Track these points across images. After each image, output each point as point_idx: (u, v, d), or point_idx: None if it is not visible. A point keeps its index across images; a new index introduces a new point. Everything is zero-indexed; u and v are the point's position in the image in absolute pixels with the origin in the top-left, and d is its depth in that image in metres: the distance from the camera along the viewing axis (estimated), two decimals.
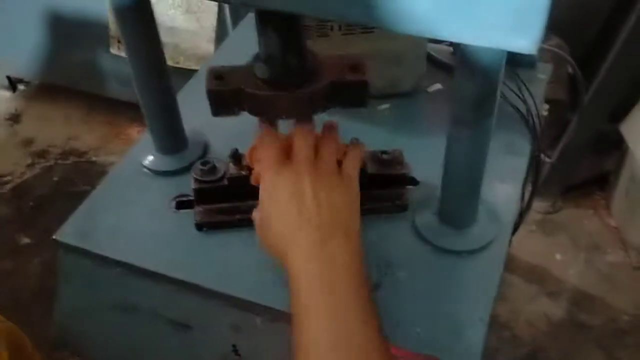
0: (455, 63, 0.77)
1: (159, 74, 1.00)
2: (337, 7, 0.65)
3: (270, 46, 0.77)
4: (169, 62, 2.30)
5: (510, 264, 2.11)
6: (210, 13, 2.19)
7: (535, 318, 1.98)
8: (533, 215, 2.28)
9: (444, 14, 0.62)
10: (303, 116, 0.82)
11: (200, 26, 2.22)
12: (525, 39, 0.61)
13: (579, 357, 1.87)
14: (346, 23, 1.06)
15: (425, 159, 0.98)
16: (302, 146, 0.77)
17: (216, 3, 2.05)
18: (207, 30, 2.20)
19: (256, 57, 0.81)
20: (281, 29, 0.75)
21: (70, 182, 2.61)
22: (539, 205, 2.30)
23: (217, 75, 0.82)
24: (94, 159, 2.69)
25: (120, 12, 0.92)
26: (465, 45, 0.73)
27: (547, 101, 2.29)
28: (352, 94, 0.84)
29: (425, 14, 0.62)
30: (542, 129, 1.12)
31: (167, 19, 2.23)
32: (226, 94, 0.82)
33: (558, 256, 2.15)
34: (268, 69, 0.79)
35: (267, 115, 0.84)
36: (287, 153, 0.78)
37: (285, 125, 0.85)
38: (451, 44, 1.23)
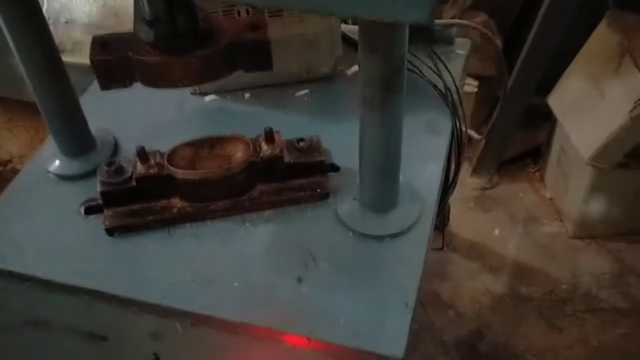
0: (358, 42, 0.73)
1: (52, 70, 0.93)
2: None
3: (154, 4, 0.71)
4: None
5: (451, 242, 2.12)
6: (128, 6, 2.10)
7: (478, 294, 1.99)
8: (471, 192, 2.29)
9: None
10: (201, 82, 0.76)
11: (119, 21, 2.13)
12: (418, 9, 0.59)
13: (522, 328, 1.89)
14: (240, 4, 1.01)
15: (347, 143, 0.95)
16: None
17: None
18: (126, 24, 2.12)
19: (141, 19, 0.74)
20: None
21: None
22: (476, 181, 2.32)
23: (103, 43, 0.75)
24: (19, 167, 2.56)
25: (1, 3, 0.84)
26: (365, 22, 0.70)
27: (478, 78, 2.31)
28: (253, 55, 0.79)
29: None
30: (462, 104, 1.11)
31: (83, 15, 2.13)
32: (112, 63, 0.75)
33: (497, 231, 2.16)
34: (152, 30, 0.72)
35: (161, 84, 0.77)
36: None
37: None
38: None
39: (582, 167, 1.93)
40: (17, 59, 0.91)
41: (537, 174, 2.35)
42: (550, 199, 2.25)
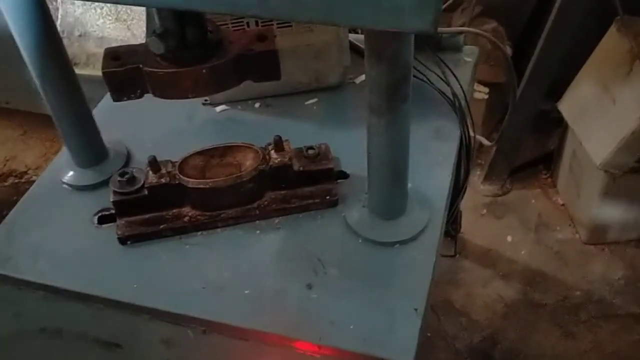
0: (364, 50, 0.74)
1: (66, 84, 0.95)
2: (230, 1, 0.62)
3: (164, 17, 0.72)
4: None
5: (463, 250, 2.11)
6: (140, 20, 2.13)
7: (491, 301, 1.98)
8: (483, 199, 2.29)
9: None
10: (210, 93, 0.78)
11: (132, 34, 2.16)
12: (422, 19, 0.60)
13: (536, 335, 1.88)
14: (242, 17, 1.03)
15: (355, 151, 0.96)
16: None
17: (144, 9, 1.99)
18: (139, 37, 2.14)
19: (151, 32, 0.76)
20: None
21: (11, 204, 2.51)
22: (487, 188, 2.32)
23: (114, 56, 0.77)
24: (34, 178, 2.59)
25: (15, 19, 0.87)
26: (370, 32, 0.71)
27: (488, 84, 2.31)
28: (262, 65, 0.81)
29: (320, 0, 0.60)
30: (470, 111, 1.12)
31: (96, 29, 2.16)
32: (124, 75, 0.76)
33: (509, 238, 2.16)
34: (163, 43, 0.74)
35: (172, 95, 0.79)
36: None
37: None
38: None
39: (594, 173, 1.92)
40: (31, 73, 0.93)
41: (549, 180, 2.34)
42: (563, 205, 2.24)
